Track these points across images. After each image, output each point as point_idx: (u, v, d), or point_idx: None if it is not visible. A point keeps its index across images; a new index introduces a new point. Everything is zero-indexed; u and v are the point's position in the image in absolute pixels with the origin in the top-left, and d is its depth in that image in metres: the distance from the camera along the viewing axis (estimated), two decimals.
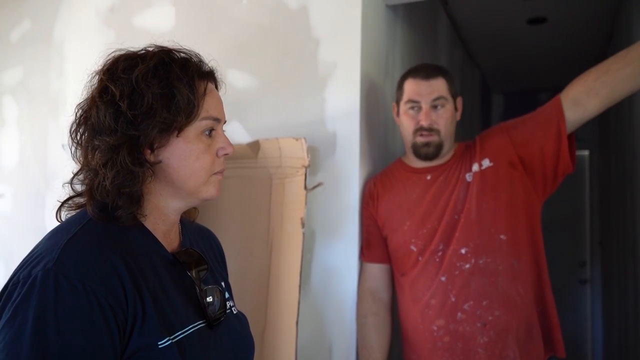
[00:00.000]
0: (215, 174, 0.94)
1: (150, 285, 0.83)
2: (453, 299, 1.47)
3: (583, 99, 1.42)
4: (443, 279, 1.49)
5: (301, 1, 1.79)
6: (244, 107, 1.84)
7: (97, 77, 0.89)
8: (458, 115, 1.61)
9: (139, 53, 0.89)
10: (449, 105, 1.55)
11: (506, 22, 3.21)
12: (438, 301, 1.49)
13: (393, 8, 2.02)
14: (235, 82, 1.87)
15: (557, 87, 1.54)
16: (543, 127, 1.47)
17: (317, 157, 1.71)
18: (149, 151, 0.87)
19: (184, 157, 0.88)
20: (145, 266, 0.85)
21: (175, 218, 0.96)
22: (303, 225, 1.54)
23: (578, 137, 1.51)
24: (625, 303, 2.86)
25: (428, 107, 1.53)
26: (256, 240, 1.64)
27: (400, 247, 1.57)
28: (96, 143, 0.84)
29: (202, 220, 1.74)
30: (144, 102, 0.84)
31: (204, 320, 0.90)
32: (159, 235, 0.92)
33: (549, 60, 3.98)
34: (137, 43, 2.19)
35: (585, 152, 4.86)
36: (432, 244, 1.52)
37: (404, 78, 1.61)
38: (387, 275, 1.65)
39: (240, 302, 1.64)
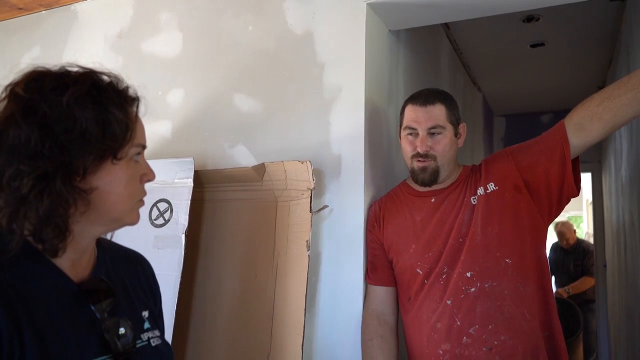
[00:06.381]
0: (138, 200, 0.92)
1: (37, 324, 0.77)
2: (459, 323, 1.47)
3: (586, 123, 1.43)
4: (449, 302, 1.48)
5: (306, 27, 1.83)
6: (250, 130, 1.86)
7: (12, 92, 0.82)
8: (461, 142, 1.61)
9: (64, 73, 0.85)
10: (447, 132, 1.55)
11: (507, 45, 3.25)
12: (444, 325, 1.48)
13: (396, 33, 2.06)
14: (241, 106, 1.89)
15: (559, 110, 1.56)
16: (548, 151, 1.48)
17: (322, 180, 1.73)
18: (77, 178, 0.81)
19: (114, 184, 0.85)
20: (34, 303, 0.79)
21: (88, 245, 0.91)
22: (309, 247, 1.55)
23: (580, 159, 1.52)
24: (632, 325, 2.84)
25: (425, 134, 1.54)
26: (261, 263, 1.64)
27: (407, 270, 1.57)
28: (22, 168, 0.77)
29: (208, 243, 1.75)
30: (77, 126, 0.80)
31: (110, 355, 0.85)
32: (65, 263, 0.86)
33: (550, 83, 4.02)
34: (144, 68, 2.24)
35: (588, 174, 4.87)
36: (437, 267, 1.52)
37: (405, 103, 1.62)
38: (393, 298, 1.65)
39: (245, 324, 1.64)
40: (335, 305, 1.68)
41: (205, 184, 1.78)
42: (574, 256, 4.25)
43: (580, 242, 4.42)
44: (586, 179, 4.96)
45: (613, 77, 3.27)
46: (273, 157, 1.74)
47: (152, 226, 1.67)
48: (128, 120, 0.86)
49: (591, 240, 5.11)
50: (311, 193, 1.59)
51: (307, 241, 1.55)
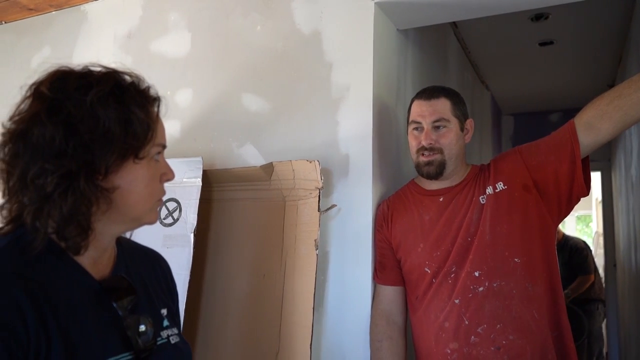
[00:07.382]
0: (157, 200, 0.93)
1: (62, 321, 0.78)
2: (467, 322, 1.46)
3: (596, 122, 1.42)
4: (457, 301, 1.48)
5: (314, 26, 1.83)
6: (258, 130, 1.87)
7: (37, 91, 0.83)
8: (468, 138, 1.62)
9: (87, 72, 0.86)
10: (452, 126, 1.56)
11: (516, 44, 3.23)
12: (452, 324, 1.48)
13: (404, 32, 2.06)
14: (249, 105, 1.90)
15: (568, 109, 1.55)
16: (557, 150, 1.48)
17: (330, 179, 1.73)
18: (100, 177, 0.82)
19: (135, 183, 0.86)
20: (58, 299, 0.80)
21: (108, 243, 0.92)
22: (317, 247, 1.55)
23: (590, 158, 1.51)
24: None
25: (429, 127, 1.55)
26: (270, 262, 1.65)
27: (415, 269, 1.57)
28: (47, 166, 0.78)
29: (216, 242, 1.76)
30: (100, 125, 0.81)
31: (131, 352, 0.86)
32: (87, 261, 0.87)
33: (559, 82, 3.99)
34: (153, 68, 2.25)
35: (597, 173, 4.84)
36: (445, 266, 1.52)
37: (411, 100, 1.65)
38: (402, 298, 1.65)
39: (254, 324, 1.64)
40: (344, 305, 1.68)
41: (213, 184, 1.78)
42: (561, 255, 4.11)
43: (567, 240, 4.23)
44: (596, 177, 4.93)
45: (623, 75, 3.24)
46: (281, 157, 1.74)
47: (161, 225, 1.69)
48: (149, 120, 0.87)
49: (601, 240, 5.04)
50: (319, 192, 1.59)
51: (315, 240, 1.55)
